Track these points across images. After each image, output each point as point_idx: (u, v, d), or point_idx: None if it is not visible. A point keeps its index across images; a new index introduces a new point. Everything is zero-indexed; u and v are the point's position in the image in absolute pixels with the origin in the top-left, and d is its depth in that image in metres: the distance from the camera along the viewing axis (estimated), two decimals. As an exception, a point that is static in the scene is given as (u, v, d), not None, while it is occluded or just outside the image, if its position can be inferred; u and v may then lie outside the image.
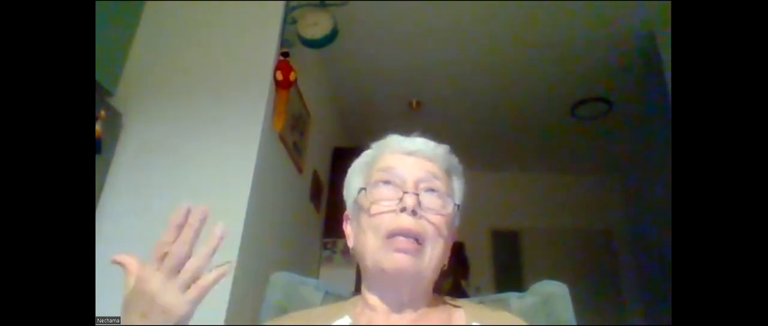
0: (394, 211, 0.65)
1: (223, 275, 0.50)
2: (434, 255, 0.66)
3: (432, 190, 0.69)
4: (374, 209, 0.67)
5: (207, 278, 0.49)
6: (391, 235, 0.64)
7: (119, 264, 0.52)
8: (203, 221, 0.49)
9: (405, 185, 0.67)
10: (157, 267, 0.49)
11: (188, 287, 0.48)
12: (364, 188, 0.70)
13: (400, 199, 0.66)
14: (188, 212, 0.49)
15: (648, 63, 2.65)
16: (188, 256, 0.49)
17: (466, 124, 3.58)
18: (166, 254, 0.49)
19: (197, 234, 0.49)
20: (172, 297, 0.48)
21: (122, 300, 0.50)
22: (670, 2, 0.89)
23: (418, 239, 0.64)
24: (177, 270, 0.48)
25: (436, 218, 0.67)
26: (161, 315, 0.47)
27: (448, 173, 0.73)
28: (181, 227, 0.49)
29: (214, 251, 0.49)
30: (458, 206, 0.72)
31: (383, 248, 0.64)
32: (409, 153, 0.72)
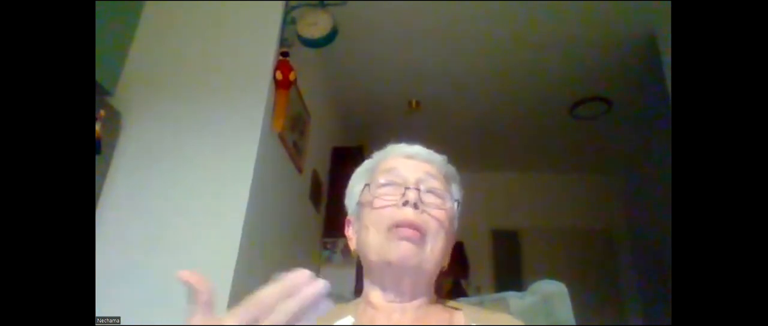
0: (396, 205, 0.68)
1: None
2: (436, 249, 0.68)
3: (431, 189, 0.72)
4: (377, 202, 0.70)
5: None
6: (394, 226, 0.67)
7: (188, 284, 0.43)
8: (317, 297, 0.39)
9: (407, 183, 0.71)
10: (241, 321, 0.41)
11: None
12: (368, 185, 0.74)
13: (403, 194, 0.69)
14: (307, 278, 0.40)
15: (648, 63, 2.65)
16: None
17: (466, 124, 3.58)
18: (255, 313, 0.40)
19: (303, 311, 0.39)
20: None
21: None
22: (670, 2, 0.89)
23: (420, 231, 0.67)
24: None
25: (437, 213, 0.70)
26: None
27: (446, 177, 0.77)
28: (288, 294, 0.39)
29: (303, 313, 0.39)
30: (458, 202, 0.75)
31: (387, 238, 0.67)
32: (409, 156, 0.76)
